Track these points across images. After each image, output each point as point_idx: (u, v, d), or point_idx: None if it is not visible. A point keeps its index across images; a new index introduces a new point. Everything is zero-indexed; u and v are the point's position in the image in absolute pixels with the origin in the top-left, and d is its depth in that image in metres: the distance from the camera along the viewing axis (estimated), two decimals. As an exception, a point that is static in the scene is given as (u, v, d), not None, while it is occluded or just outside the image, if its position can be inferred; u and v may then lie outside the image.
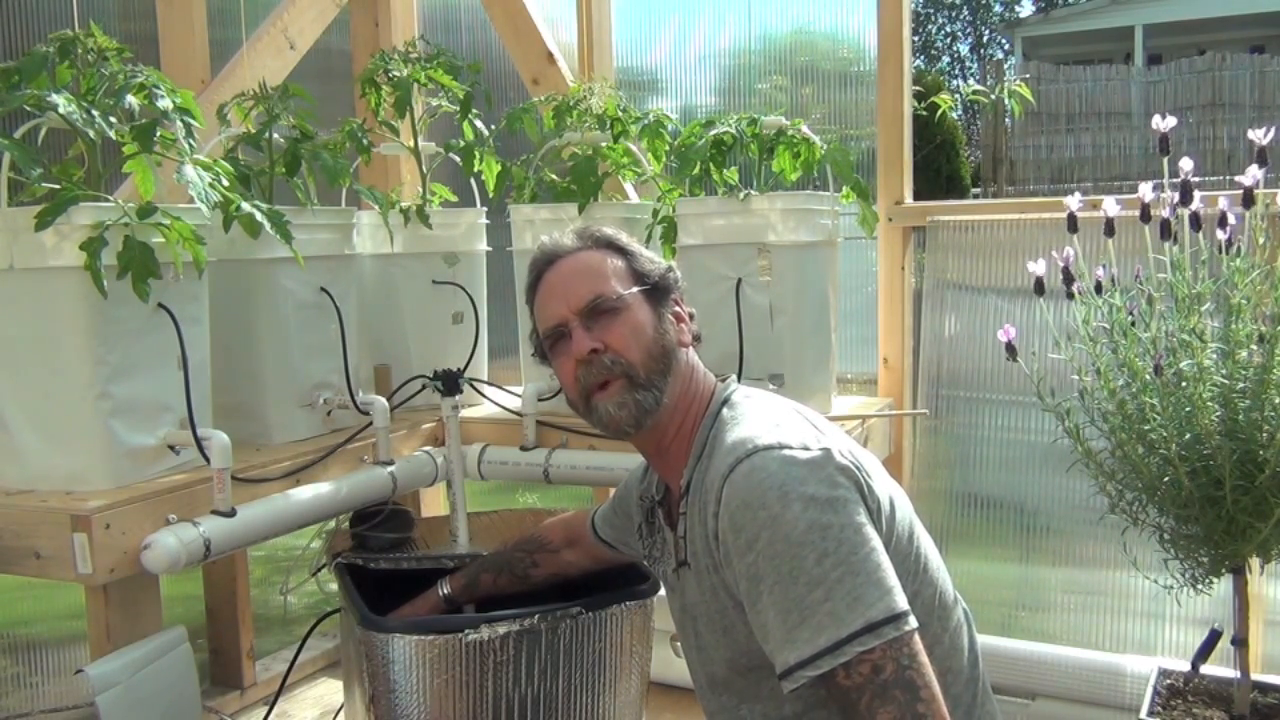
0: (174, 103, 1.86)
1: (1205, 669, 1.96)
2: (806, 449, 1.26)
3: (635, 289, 1.44)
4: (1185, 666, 1.97)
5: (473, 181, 2.65)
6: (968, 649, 1.41)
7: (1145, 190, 1.80)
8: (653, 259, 1.50)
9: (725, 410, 1.40)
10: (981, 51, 26.43)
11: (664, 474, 1.49)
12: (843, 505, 1.22)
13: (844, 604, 1.16)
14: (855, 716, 1.16)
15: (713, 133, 2.34)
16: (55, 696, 2.56)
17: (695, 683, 1.50)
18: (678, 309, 1.49)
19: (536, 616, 1.68)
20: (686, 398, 1.44)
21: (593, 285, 1.43)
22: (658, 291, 1.46)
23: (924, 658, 1.18)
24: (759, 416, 1.35)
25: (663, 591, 1.60)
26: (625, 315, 1.41)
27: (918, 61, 23.59)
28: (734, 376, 1.50)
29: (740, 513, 1.23)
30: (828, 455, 1.26)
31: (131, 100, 1.83)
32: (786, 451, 1.25)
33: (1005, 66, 19.32)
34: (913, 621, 1.18)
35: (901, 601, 1.18)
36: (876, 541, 1.22)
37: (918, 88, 2.71)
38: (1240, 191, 1.71)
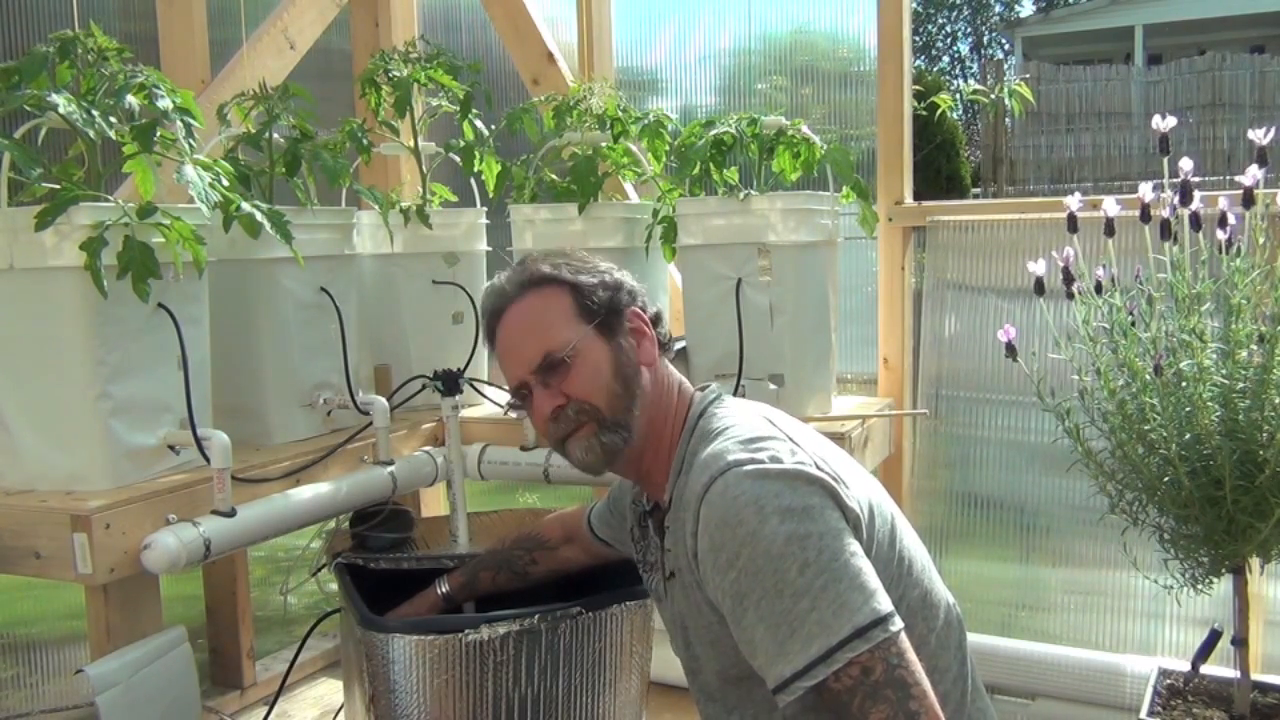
0: (174, 103, 1.86)
1: (1205, 669, 1.96)
2: (778, 461, 1.26)
3: (585, 327, 1.42)
4: (1185, 666, 1.97)
5: (473, 181, 2.65)
6: (956, 646, 1.42)
7: (1145, 190, 1.81)
8: (601, 277, 1.45)
9: (701, 423, 1.40)
10: (981, 51, 26.42)
11: (650, 492, 1.50)
12: (819, 513, 1.22)
13: (830, 611, 1.17)
14: (848, 718, 1.16)
15: (713, 133, 2.34)
16: (55, 696, 2.56)
17: (690, 688, 1.50)
18: (636, 323, 1.45)
19: (536, 616, 1.68)
20: (660, 420, 1.44)
21: (541, 341, 1.42)
22: (609, 318, 1.43)
23: (912, 655, 1.19)
24: (732, 430, 1.35)
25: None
26: (578, 363, 1.41)
27: (918, 61, 23.57)
28: (714, 384, 1.49)
29: (719, 531, 1.24)
30: (800, 466, 1.26)
31: (131, 100, 1.83)
32: (759, 466, 1.26)
33: (1005, 66, 19.32)
34: (898, 622, 1.19)
35: (886, 603, 1.19)
36: (856, 545, 1.23)
37: (918, 88, 2.71)
38: (1240, 191, 1.71)
